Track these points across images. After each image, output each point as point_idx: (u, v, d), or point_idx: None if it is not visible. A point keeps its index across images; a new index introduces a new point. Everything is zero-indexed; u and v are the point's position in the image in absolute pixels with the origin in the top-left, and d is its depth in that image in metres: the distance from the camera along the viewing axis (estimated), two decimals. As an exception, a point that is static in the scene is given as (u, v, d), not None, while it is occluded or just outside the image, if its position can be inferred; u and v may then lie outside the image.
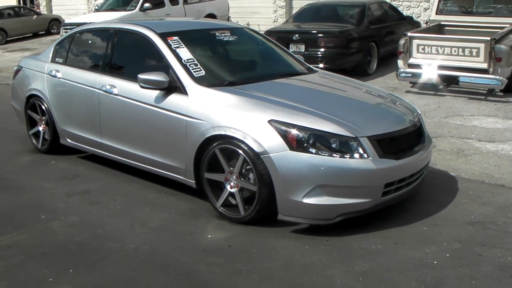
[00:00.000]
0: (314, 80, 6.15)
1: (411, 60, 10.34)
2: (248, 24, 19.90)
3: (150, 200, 5.64)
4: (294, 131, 4.66)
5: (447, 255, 4.37)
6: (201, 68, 5.59)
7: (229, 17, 20.37)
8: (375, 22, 12.79)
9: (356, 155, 4.62)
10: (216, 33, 6.42)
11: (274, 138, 4.69)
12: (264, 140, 4.71)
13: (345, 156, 4.60)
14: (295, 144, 4.63)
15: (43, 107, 7.10)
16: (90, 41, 7.01)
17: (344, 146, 4.64)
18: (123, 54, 6.44)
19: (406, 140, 5.11)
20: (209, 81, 5.50)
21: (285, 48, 7.20)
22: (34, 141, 7.44)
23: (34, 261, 4.42)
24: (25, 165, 6.96)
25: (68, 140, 6.90)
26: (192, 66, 5.57)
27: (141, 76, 5.45)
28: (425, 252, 4.41)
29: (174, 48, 5.74)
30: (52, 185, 6.15)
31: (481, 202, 5.42)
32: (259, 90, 5.38)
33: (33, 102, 7.30)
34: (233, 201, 5.06)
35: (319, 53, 11.49)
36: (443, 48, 9.98)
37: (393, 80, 11.41)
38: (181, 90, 5.41)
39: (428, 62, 10.13)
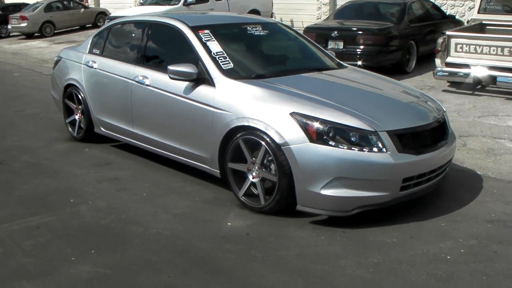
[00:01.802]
0: (342, 75, 6.19)
1: (449, 59, 10.23)
2: (291, 21, 19.97)
3: (176, 188, 5.79)
4: (314, 124, 4.73)
5: (462, 251, 4.38)
6: (230, 61, 5.70)
7: (272, 13, 20.45)
8: (415, 20, 12.71)
9: (375, 149, 4.66)
10: (248, 27, 6.51)
11: (295, 130, 4.77)
12: (286, 132, 4.80)
13: (364, 149, 4.65)
14: (315, 137, 4.70)
15: (80, 96, 7.32)
16: (125, 33, 7.20)
17: (363, 139, 4.69)
18: (156, 46, 6.59)
19: (428, 136, 5.11)
20: (237, 73, 5.61)
21: (316, 44, 7.23)
22: (70, 129, 7.68)
23: (60, 241, 4.61)
24: (61, 152, 7.20)
25: (102, 129, 7.11)
26: (221, 59, 5.69)
27: (170, 67, 5.60)
28: (440, 247, 4.42)
29: (205, 41, 5.87)
30: (84, 172, 6.36)
31: (504, 201, 5.39)
32: (285, 83, 5.46)
33: (70, 92, 7.53)
34: (255, 191, 5.15)
35: (357, 50, 11.48)
36: (481, 47, 9.84)
37: (430, 79, 11.31)
38: (209, 81, 5.54)
39: (466, 61, 10.00)
